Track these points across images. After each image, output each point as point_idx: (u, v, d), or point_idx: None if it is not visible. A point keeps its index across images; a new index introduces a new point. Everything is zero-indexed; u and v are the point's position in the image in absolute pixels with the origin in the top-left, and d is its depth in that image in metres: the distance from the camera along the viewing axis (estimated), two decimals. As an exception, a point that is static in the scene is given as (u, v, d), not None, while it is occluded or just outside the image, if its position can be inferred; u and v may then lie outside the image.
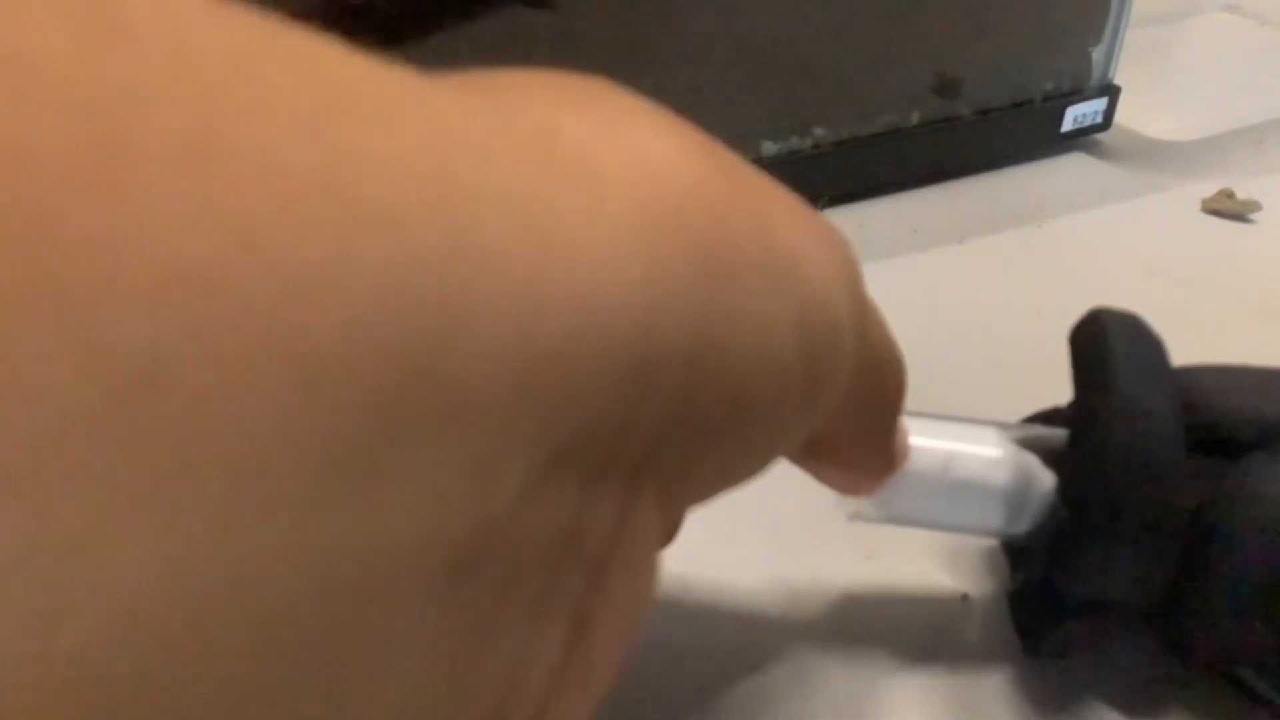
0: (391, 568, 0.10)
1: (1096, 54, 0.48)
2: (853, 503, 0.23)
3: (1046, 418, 0.25)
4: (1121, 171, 0.49)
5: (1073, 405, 0.23)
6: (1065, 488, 0.22)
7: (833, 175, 0.44)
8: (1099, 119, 0.50)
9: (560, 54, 0.37)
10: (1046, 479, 0.23)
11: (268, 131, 0.09)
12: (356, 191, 0.09)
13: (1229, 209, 0.45)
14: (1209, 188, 0.46)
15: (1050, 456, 0.23)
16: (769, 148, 0.42)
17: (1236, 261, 0.42)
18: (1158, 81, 0.57)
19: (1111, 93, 0.49)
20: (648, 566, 0.15)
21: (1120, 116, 0.50)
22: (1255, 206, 0.45)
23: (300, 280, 0.09)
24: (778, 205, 0.16)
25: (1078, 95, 0.49)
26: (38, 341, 0.07)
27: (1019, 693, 0.24)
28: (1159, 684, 0.24)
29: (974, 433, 0.23)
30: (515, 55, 0.36)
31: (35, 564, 0.07)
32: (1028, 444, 0.23)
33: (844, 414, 0.18)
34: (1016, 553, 0.26)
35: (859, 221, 0.44)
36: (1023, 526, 0.23)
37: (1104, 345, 0.22)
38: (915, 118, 0.45)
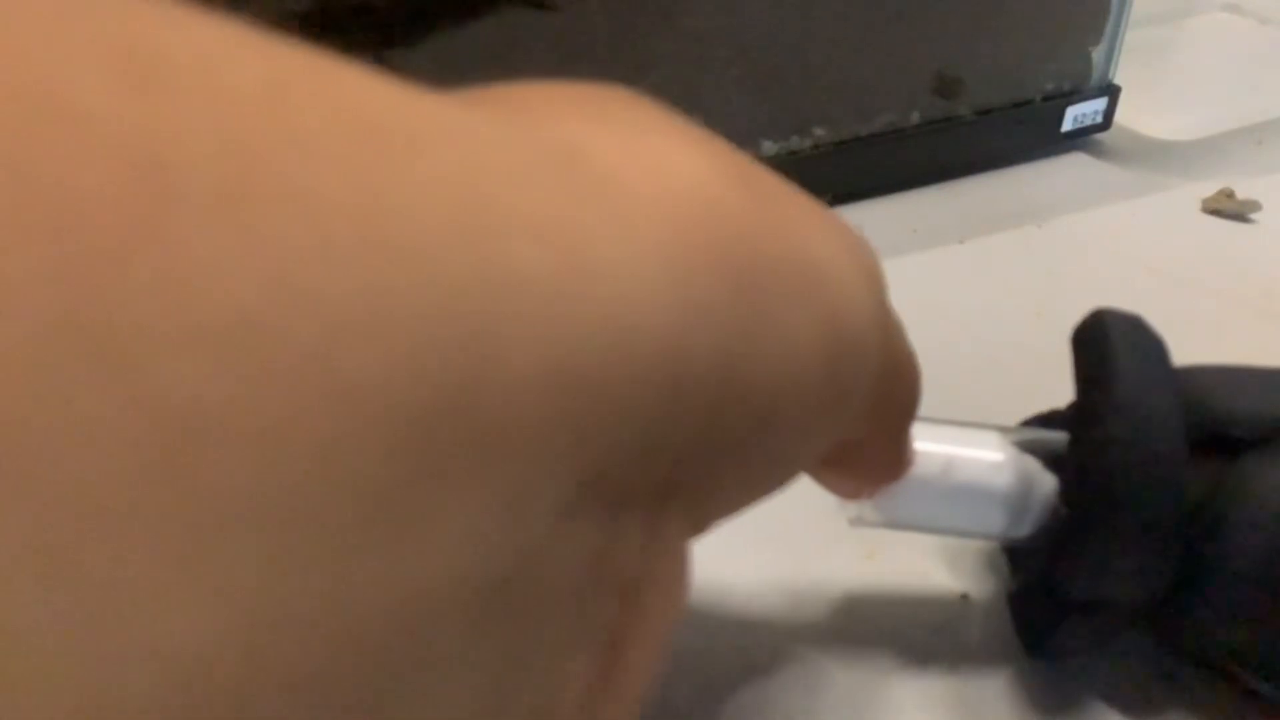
0: (431, 606, 0.10)
1: (1096, 54, 0.48)
2: (853, 507, 0.23)
3: (1045, 420, 0.25)
4: (1121, 171, 0.49)
5: (1073, 406, 0.23)
6: (1066, 488, 0.22)
7: (833, 175, 0.44)
8: (1099, 119, 0.50)
9: (560, 54, 0.37)
10: (1047, 482, 0.23)
11: (304, 168, 0.09)
12: (390, 225, 0.09)
13: (1229, 209, 0.45)
14: (1209, 188, 0.46)
15: (1050, 459, 0.23)
16: (769, 148, 0.42)
17: (1236, 261, 0.42)
18: (1158, 81, 0.57)
19: (1111, 93, 0.49)
20: (678, 584, 0.15)
21: (1120, 116, 0.50)
22: (1255, 206, 0.45)
23: (338, 320, 0.09)
24: (801, 214, 0.16)
25: (1078, 95, 0.49)
26: (92, 395, 0.07)
27: (1019, 693, 0.24)
28: (1159, 684, 0.24)
29: (975, 436, 0.23)
30: (515, 55, 0.36)
31: (91, 623, 0.07)
32: (1028, 447, 0.23)
33: (861, 421, 0.18)
34: (1016, 553, 0.26)
35: (859, 221, 0.44)
36: (1024, 530, 0.23)
37: (1106, 345, 0.22)
38: (915, 118, 0.45)
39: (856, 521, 0.23)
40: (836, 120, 0.43)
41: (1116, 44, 0.48)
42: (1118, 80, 0.49)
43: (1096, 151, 0.51)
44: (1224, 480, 0.21)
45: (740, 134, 0.41)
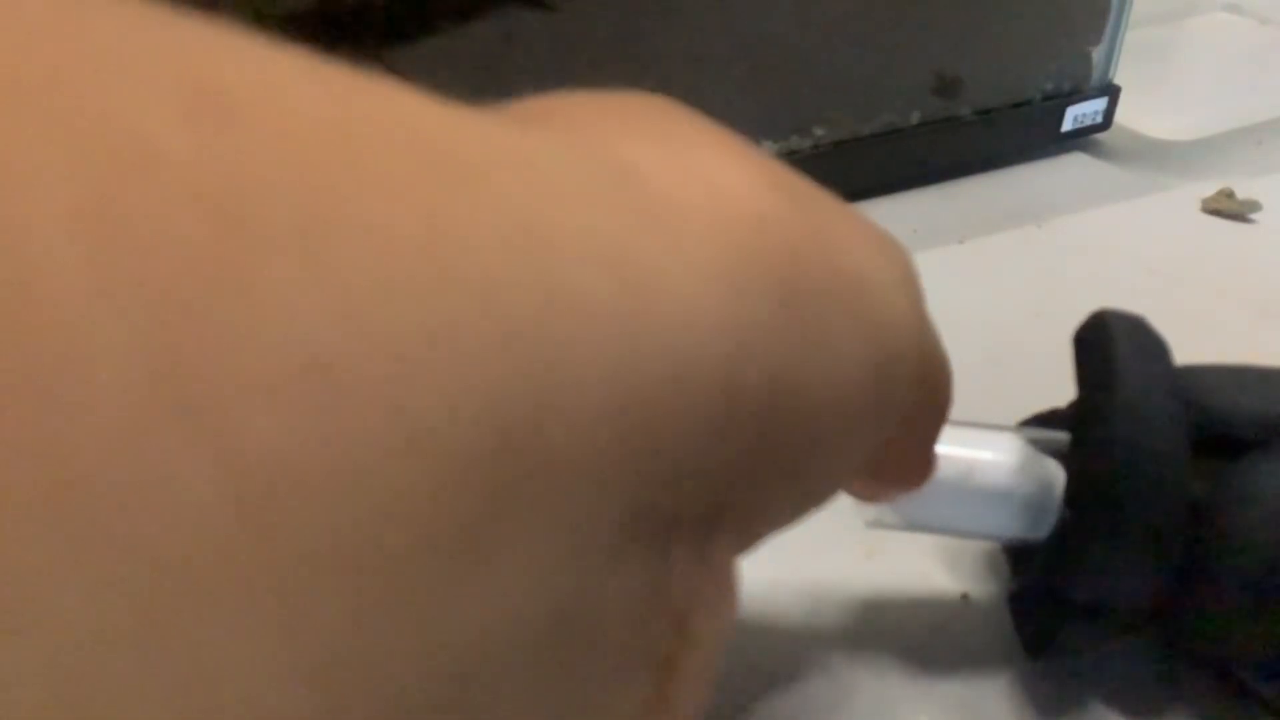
0: (498, 645, 0.10)
1: (1096, 54, 0.48)
2: (872, 509, 0.23)
3: (1045, 420, 0.25)
4: (1121, 171, 0.49)
5: (1073, 406, 0.23)
6: (1068, 489, 0.22)
7: (833, 175, 0.44)
8: (1099, 119, 0.50)
9: (560, 54, 0.37)
10: (1062, 484, 0.23)
11: (372, 203, 0.09)
12: (457, 257, 0.09)
13: (1229, 209, 0.45)
14: (1209, 188, 0.46)
15: (1052, 459, 0.23)
16: (769, 148, 0.42)
17: (1236, 261, 0.42)
18: (1158, 81, 0.57)
19: (1111, 93, 0.49)
20: (727, 603, 0.15)
21: (1120, 116, 0.50)
22: (1255, 206, 0.45)
23: (407, 359, 0.08)
24: (842, 223, 0.16)
25: (1078, 95, 0.49)
26: (181, 455, 0.07)
27: (1019, 692, 0.24)
28: (1160, 684, 0.24)
29: (995, 439, 0.23)
30: (515, 55, 0.36)
31: (188, 684, 0.07)
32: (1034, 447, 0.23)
33: (896, 426, 0.18)
34: (1017, 553, 0.26)
35: (859, 221, 0.44)
36: (1042, 532, 0.23)
37: (1108, 346, 0.22)
38: (915, 118, 0.45)
39: (875, 524, 0.23)
40: (836, 120, 0.43)
41: (1116, 44, 0.48)
42: (1118, 80, 0.49)
43: (1096, 151, 0.51)
44: (1226, 480, 0.21)
45: (740, 134, 0.41)
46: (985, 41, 0.46)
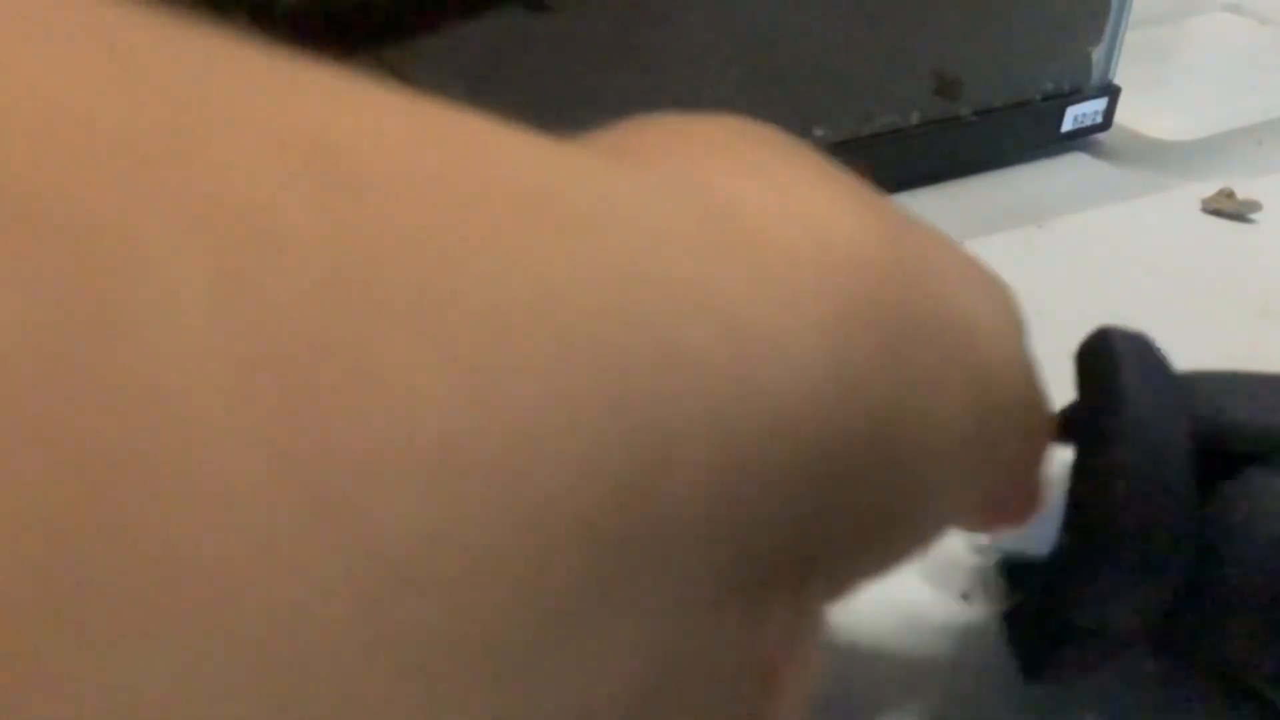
0: (601, 702, 0.10)
1: (1096, 54, 0.48)
2: (974, 540, 0.22)
3: None
4: (1121, 171, 0.49)
5: (1070, 416, 0.23)
6: (1069, 513, 0.22)
7: (833, 175, 0.44)
8: (1099, 119, 0.50)
9: (560, 54, 0.37)
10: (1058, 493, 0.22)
11: (490, 272, 0.09)
12: (571, 321, 0.09)
13: (1229, 209, 0.45)
14: (1209, 188, 0.46)
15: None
16: (769, 148, 0.42)
17: (1236, 261, 0.42)
18: (1158, 81, 0.57)
19: (1111, 93, 0.49)
20: (815, 652, 0.14)
21: (1120, 116, 0.50)
22: (1255, 206, 0.45)
23: (531, 431, 0.08)
24: (947, 262, 0.15)
25: (1078, 95, 0.49)
26: (309, 541, 0.07)
27: (1018, 694, 0.24)
28: (1159, 686, 0.24)
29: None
30: (515, 54, 0.36)
31: None
32: None
33: (1005, 464, 0.18)
34: (1014, 571, 0.25)
35: (859, 221, 0.44)
36: (1045, 548, 0.22)
37: (1113, 366, 0.21)
38: (915, 118, 0.45)
39: (978, 553, 0.23)
40: (836, 120, 0.43)
41: (1116, 44, 0.48)
42: (1118, 80, 0.49)
43: (1096, 151, 0.51)
44: (1228, 495, 0.21)
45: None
46: (985, 41, 0.46)
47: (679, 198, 0.12)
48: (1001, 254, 0.43)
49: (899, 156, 0.45)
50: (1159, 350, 0.22)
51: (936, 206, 0.46)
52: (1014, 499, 0.20)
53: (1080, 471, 0.22)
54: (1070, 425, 0.22)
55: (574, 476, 0.09)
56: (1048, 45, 0.47)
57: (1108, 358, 0.22)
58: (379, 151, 0.09)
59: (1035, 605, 0.23)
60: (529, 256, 0.09)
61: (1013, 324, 0.17)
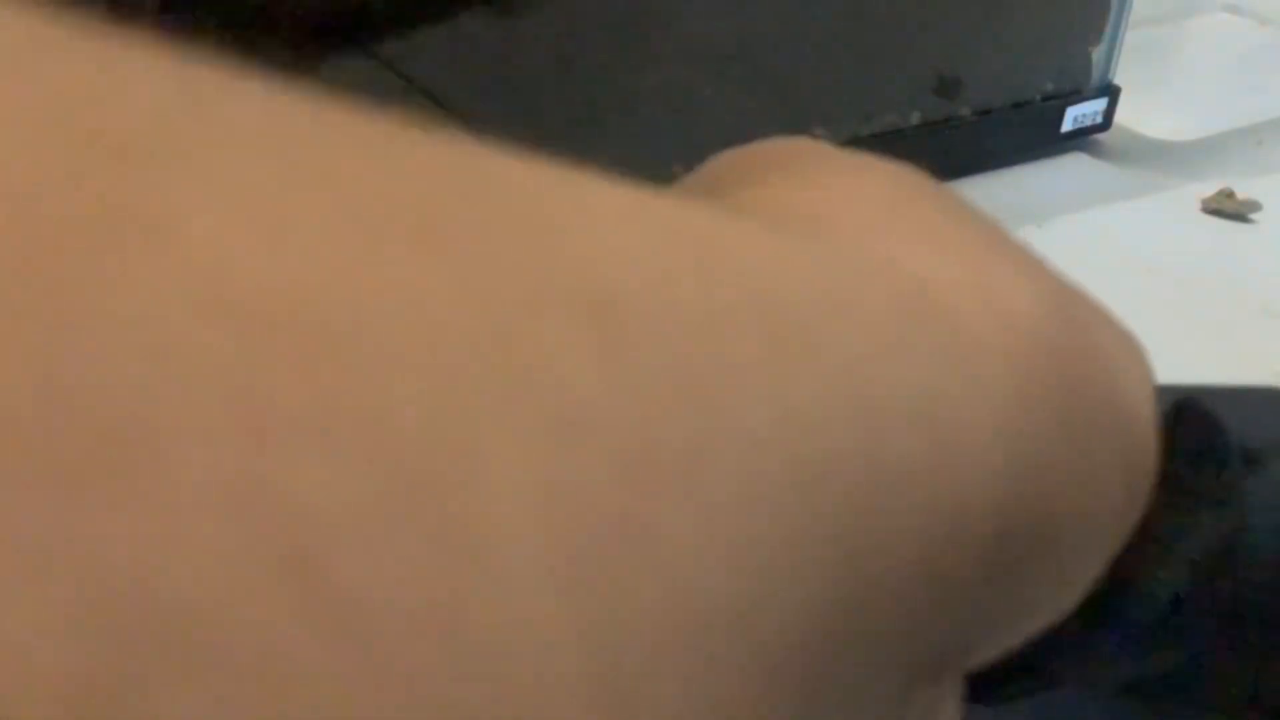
0: None
1: (1096, 54, 0.48)
2: None
3: None
4: (1121, 171, 0.49)
5: None
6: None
7: (833, 175, 0.44)
8: (1099, 119, 0.50)
9: (560, 54, 0.37)
10: None
11: (738, 411, 0.08)
12: (805, 450, 0.09)
13: (1229, 209, 0.45)
14: (1209, 188, 0.46)
15: None
16: (769, 148, 0.42)
17: (1236, 261, 0.42)
18: (1158, 81, 0.57)
19: (1111, 93, 0.49)
20: None
21: (1120, 116, 0.50)
22: (1255, 206, 0.45)
23: (764, 572, 0.08)
24: (1107, 333, 0.15)
25: (1078, 95, 0.49)
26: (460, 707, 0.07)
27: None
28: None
29: None
30: (516, 54, 0.36)
31: None
32: None
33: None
34: None
35: (859, 221, 0.44)
36: None
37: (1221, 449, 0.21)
38: (915, 118, 0.45)
39: None
40: (836, 120, 0.43)
41: (1116, 44, 0.48)
42: (1118, 80, 0.49)
43: (1096, 151, 0.51)
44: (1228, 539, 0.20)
45: (740, 134, 0.41)
46: (985, 41, 0.46)
47: (874, 278, 0.11)
48: (1001, 254, 0.43)
49: (899, 156, 0.45)
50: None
51: (936, 206, 0.46)
52: None
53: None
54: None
55: (804, 613, 0.09)
56: (1048, 45, 0.47)
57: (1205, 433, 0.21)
58: (643, 291, 0.08)
59: None
60: (780, 383, 0.09)
61: (1150, 384, 0.16)
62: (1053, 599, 0.15)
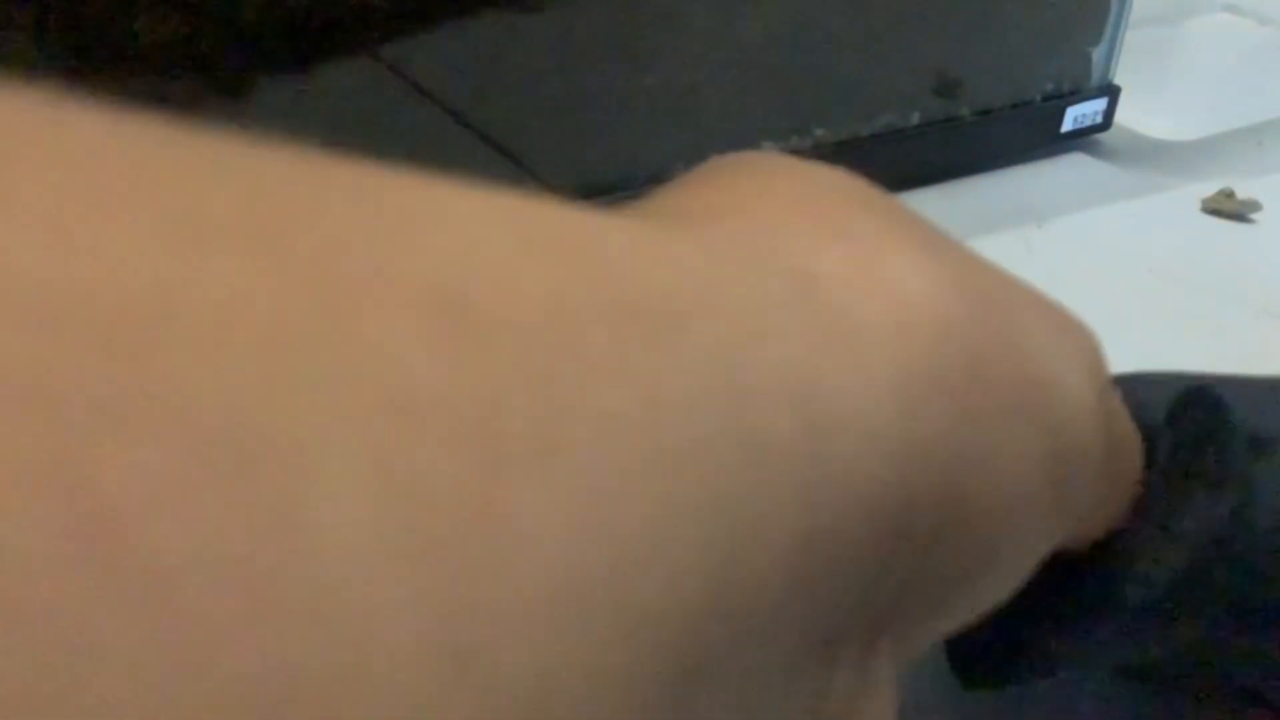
0: None
1: (1096, 54, 0.48)
2: None
3: None
4: (1121, 171, 0.49)
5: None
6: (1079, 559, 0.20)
7: (833, 175, 0.44)
8: (1099, 119, 0.50)
9: (560, 54, 0.37)
10: None
11: (599, 395, 0.09)
12: (671, 431, 0.09)
13: (1229, 209, 0.45)
14: (1209, 188, 0.46)
15: None
16: (769, 148, 0.42)
17: (1236, 261, 0.42)
18: (1158, 81, 0.57)
19: (1111, 93, 0.49)
20: (884, 715, 0.14)
21: (1120, 116, 0.50)
22: (1255, 206, 0.45)
23: (637, 554, 0.08)
24: (1027, 315, 0.15)
25: (1078, 95, 0.49)
26: (442, 695, 0.07)
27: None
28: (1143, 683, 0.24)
29: None
30: (515, 54, 0.36)
31: None
32: None
33: (1089, 507, 0.18)
34: None
35: (859, 221, 0.44)
36: None
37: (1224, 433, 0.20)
38: (915, 118, 0.45)
39: None
40: (836, 120, 0.43)
41: (1116, 44, 0.48)
42: (1118, 80, 0.49)
43: (1096, 151, 0.51)
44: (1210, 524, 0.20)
45: (740, 134, 0.41)
46: (985, 41, 0.46)
47: (757, 270, 0.12)
48: (1001, 254, 0.43)
49: (899, 156, 0.45)
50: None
51: (936, 206, 0.45)
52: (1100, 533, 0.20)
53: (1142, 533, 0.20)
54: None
55: (669, 586, 0.09)
56: (1048, 45, 0.47)
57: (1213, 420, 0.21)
58: (496, 286, 0.09)
59: (992, 626, 0.23)
60: (636, 369, 0.09)
61: (1091, 368, 0.16)
62: (985, 581, 0.15)
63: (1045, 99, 0.48)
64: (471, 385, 0.08)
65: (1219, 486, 0.20)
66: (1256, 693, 0.24)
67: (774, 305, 0.11)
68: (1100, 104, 0.49)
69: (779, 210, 0.14)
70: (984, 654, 0.21)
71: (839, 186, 0.16)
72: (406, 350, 0.08)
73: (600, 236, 0.10)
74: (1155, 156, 0.51)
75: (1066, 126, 0.49)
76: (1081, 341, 0.17)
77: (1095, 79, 0.49)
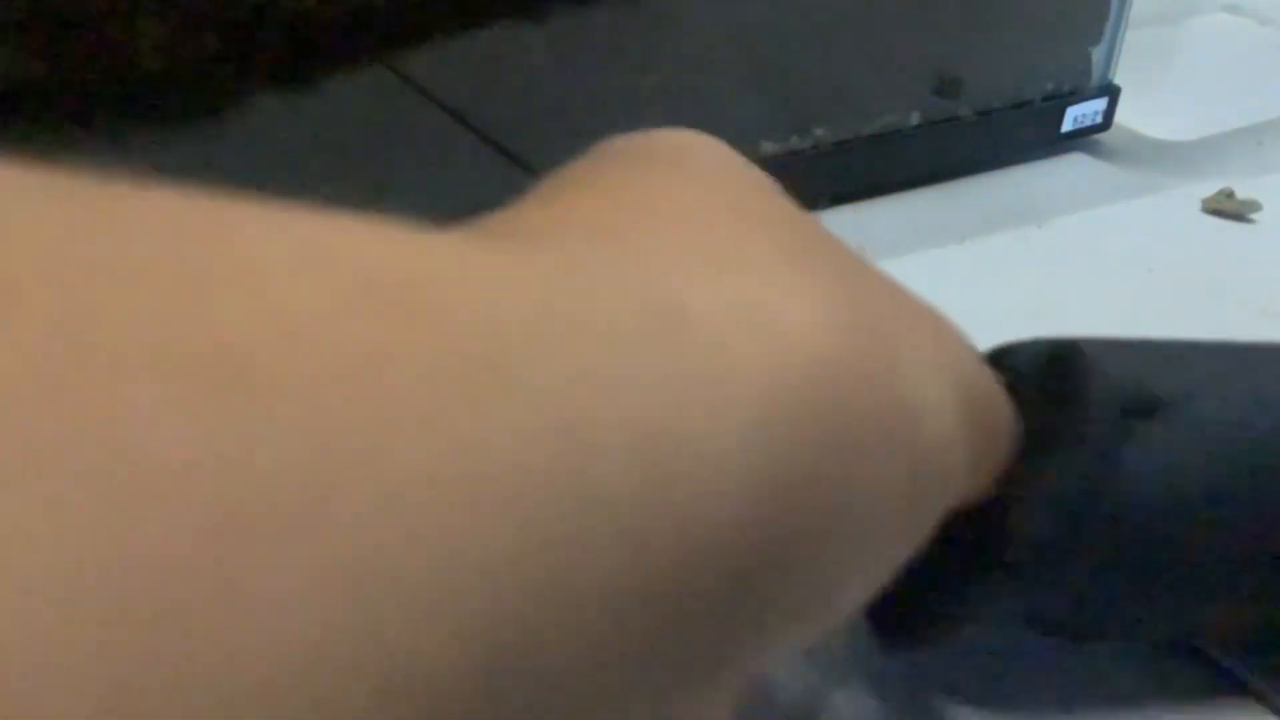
0: None
1: (1096, 54, 0.48)
2: None
3: None
4: (1121, 171, 0.49)
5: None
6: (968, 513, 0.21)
7: (833, 175, 0.44)
8: (1099, 119, 0.50)
9: (560, 54, 0.37)
10: None
11: (393, 451, 0.08)
12: (477, 484, 0.09)
13: (1229, 209, 0.45)
14: (1209, 188, 0.46)
15: None
16: (769, 148, 0.42)
17: (1236, 261, 0.42)
18: (1158, 81, 0.57)
19: (1111, 93, 0.49)
20: None
21: (1120, 116, 0.50)
22: (1255, 206, 0.45)
23: (399, 615, 0.08)
24: (910, 341, 0.15)
25: (1078, 95, 0.49)
26: None
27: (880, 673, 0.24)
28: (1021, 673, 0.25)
29: None
30: (515, 55, 0.36)
31: None
32: None
33: (958, 492, 0.17)
34: None
35: (859, 221, 0.44)
36: None
37: (1075, 380, 0.21)
38: (915, 118, 0.45)
39: None
40: (836, 120, 0.43)
41: (1116, 44, 0.48)
42: (1118, 80, 0.49)
43: (1096, 151, 0.51)
44: (1115, 465, 0.20)
45: (740, 134, 0.41)
46: (985, 41, 0.46)
47: (616, 303, 0.11)
48: (1001, 254, 0.43)
49: (899, 156, 0.45)
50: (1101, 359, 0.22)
51: (936, 206, 0.46)
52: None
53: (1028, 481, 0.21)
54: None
55: (449, 646, 0.08)
56: (1048, 45, 0.47)
57: (1070, 371, 0.21)
58: (288, 346, 0.08)
59: (897, 589, 0.23)
60: (448, 422, 0.09)
61: (960, 381, 0.16)
62: (841, 596, 0.15)
63: (1045, 99, 0.48)
64: (226, 454, 0.07)
65: (1078, 447, 0.20)
66: (1191, 645, 0.24)
67: (629, 344, 0.11)
68: (1100, 104, 0.49)
69: (660, 230, 0.13)
70: (894, 617, 0.22)
71: (736, 203, 0.15)
72: (142, 419, 0.07)
73: (430, 275, 0.10)
74: (1155, 156, 0.51)
75: (1066, 126, 0.49)
76: (950, 343, 0.17)
77: (1095, 79, 0.49)
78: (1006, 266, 0.41)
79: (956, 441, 0.16)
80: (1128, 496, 0.20)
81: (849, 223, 0.43)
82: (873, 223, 0.44)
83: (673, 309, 0.12)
